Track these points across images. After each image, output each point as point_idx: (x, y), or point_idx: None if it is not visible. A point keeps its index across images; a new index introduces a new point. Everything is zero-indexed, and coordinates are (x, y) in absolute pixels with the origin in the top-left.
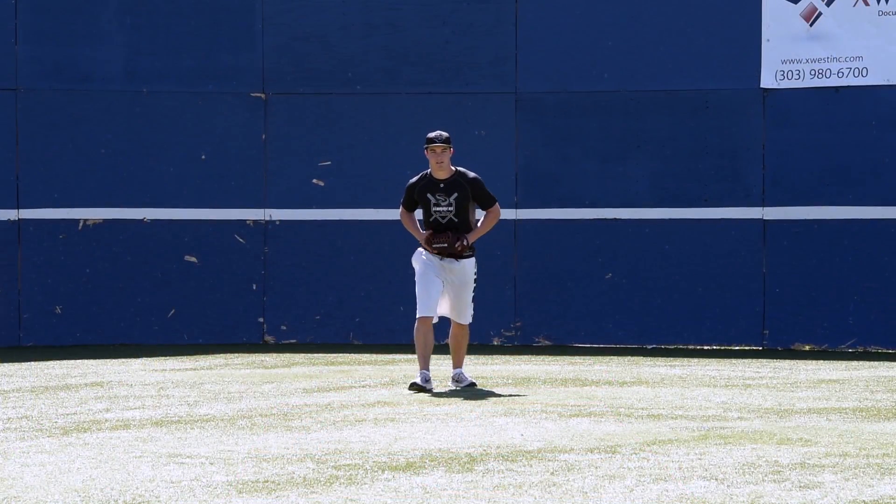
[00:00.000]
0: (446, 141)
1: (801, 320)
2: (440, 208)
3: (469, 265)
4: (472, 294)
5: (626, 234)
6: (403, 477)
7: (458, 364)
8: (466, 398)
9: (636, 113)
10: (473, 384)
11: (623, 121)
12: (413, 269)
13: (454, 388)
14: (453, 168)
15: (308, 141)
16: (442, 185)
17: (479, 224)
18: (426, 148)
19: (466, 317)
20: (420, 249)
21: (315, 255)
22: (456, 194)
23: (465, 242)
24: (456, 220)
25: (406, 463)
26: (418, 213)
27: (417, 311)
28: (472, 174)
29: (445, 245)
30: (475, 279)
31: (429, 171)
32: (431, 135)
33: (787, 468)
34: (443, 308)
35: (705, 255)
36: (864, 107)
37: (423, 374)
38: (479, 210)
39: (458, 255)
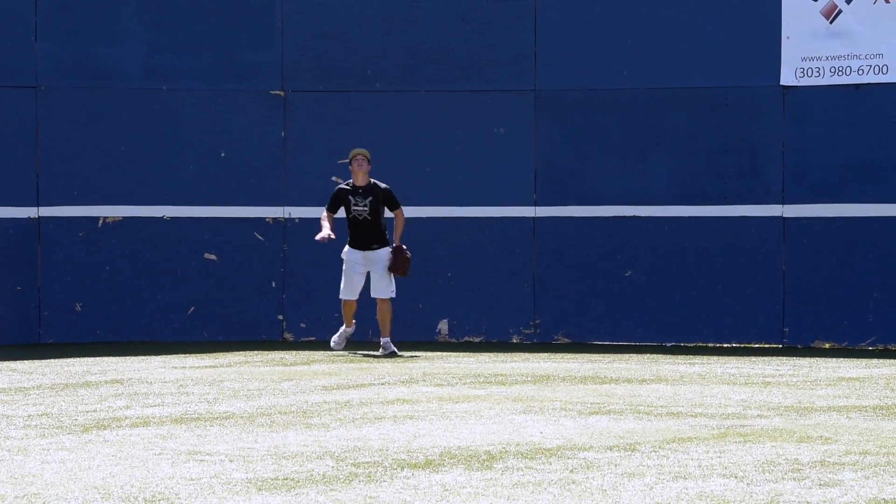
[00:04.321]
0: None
1: (821, 318)
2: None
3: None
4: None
5: (646, 231)
6: (423, 475)
7: (385, 334)
8: (486, 397)
9: (656, 110)
10: (395, 353)
11: (642, 118)
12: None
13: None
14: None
15: (327, 138)
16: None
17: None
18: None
19: (388, 292)
20: (347, 248)
21: (334, 253)
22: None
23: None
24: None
25: (425, 461)
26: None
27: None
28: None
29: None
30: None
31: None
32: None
33: (807, 466)
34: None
35: (725, 252)
36: (885, 104)
37: (347, 331)
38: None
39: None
